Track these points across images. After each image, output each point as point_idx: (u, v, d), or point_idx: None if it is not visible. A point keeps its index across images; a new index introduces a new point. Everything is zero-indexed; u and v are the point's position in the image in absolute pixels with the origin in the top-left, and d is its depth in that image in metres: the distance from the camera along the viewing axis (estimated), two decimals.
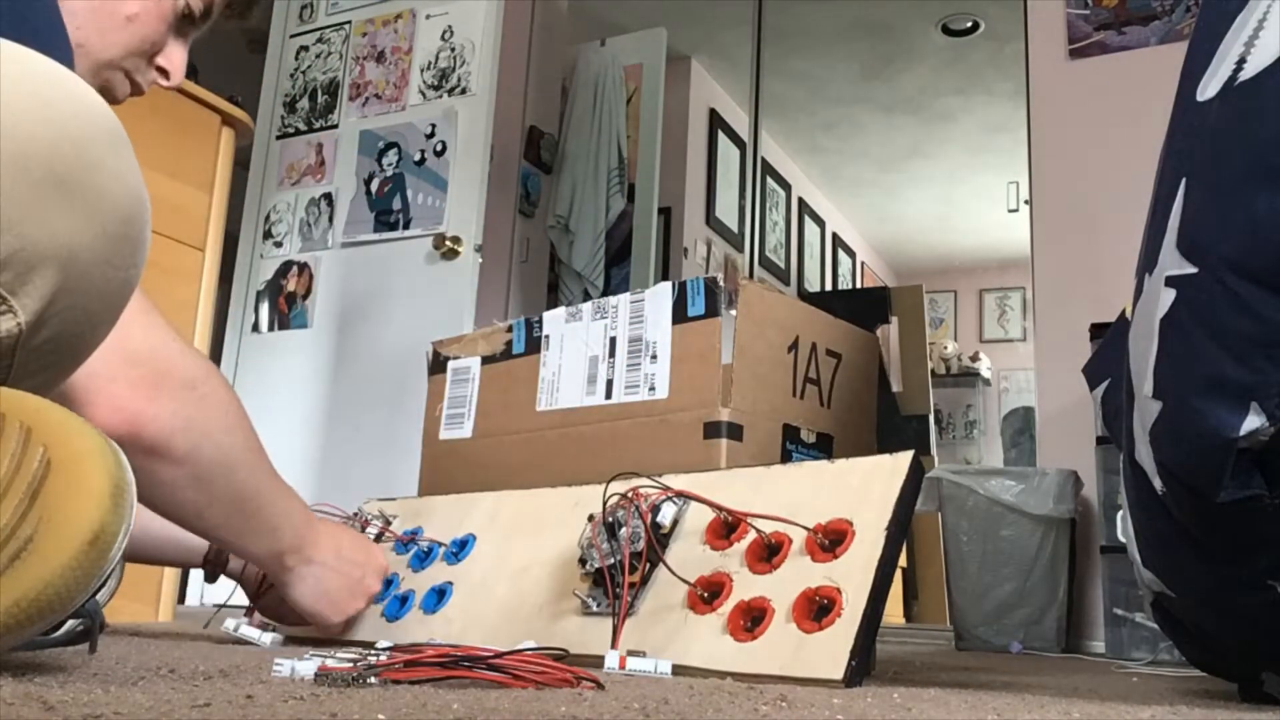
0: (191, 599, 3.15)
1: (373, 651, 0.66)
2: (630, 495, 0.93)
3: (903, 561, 4.31)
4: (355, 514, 1.27)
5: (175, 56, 0.99)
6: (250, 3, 1.16)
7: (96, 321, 0.59)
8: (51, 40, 0.73)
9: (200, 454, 0.92)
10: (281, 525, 1.04)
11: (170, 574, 1.87)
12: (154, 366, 0.88)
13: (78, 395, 0.82)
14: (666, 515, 0.94)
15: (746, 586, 0.86)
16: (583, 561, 0.95)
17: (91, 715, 0.40)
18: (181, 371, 0.91)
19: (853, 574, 0.80)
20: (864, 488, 0.86)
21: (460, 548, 1.15)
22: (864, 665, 0.77)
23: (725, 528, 0.92)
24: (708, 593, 0.87)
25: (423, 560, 1.18)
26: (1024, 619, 2.39)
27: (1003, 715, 0.64)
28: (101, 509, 0.48)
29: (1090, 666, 1.73)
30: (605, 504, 0.93)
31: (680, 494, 0.95)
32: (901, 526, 0.82)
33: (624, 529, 0.92)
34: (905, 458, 0.86)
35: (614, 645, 0.88)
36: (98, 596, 0.75)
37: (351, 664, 0.61)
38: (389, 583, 1.18)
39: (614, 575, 0.92)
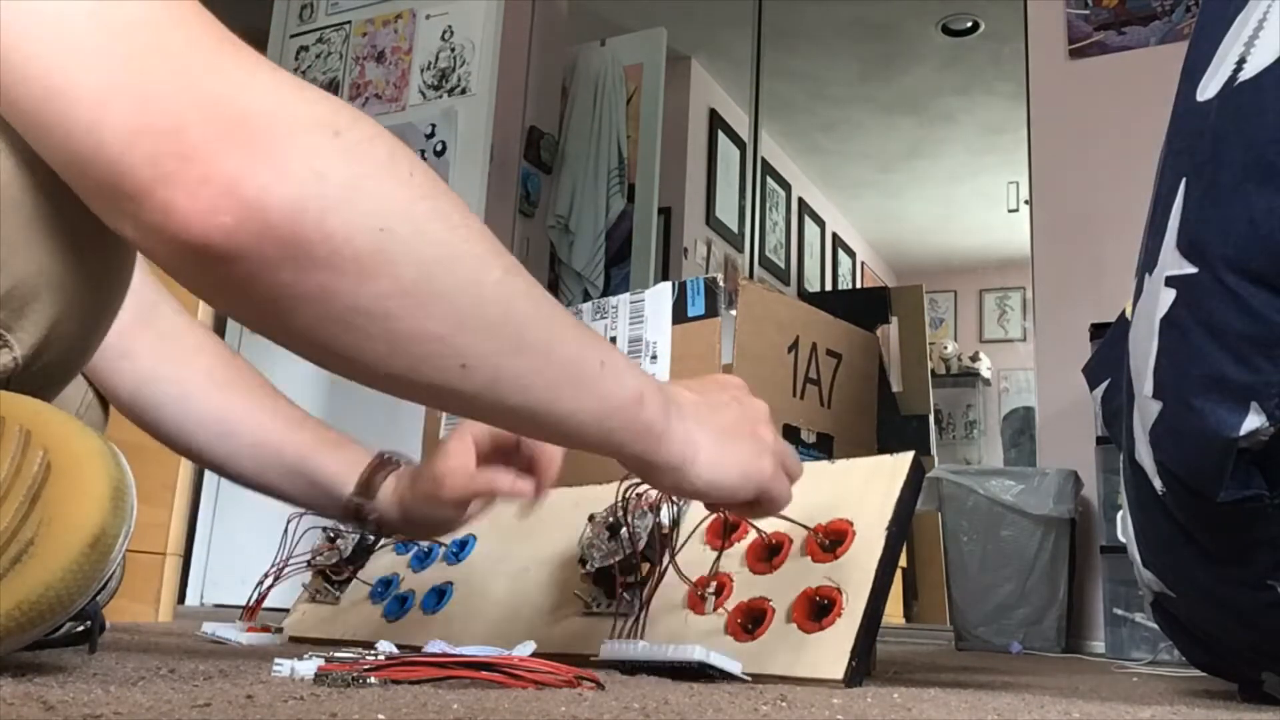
0: (191, 599, 3.16)
1: (372, 652, 0.67)
2: (630, 495, 0.93)
3: (903, 561, 4.31)
4: None
5: None
6: None
7: (89, 341, 0.58)
8: None
9: (396, 240, 0.48)
10: (612, 353, 0.62)
11: (170, 574, 1.87)
12: (252, 106, 0.46)
13: (137, 180, 0.44)
14: (666, 515, 0.94)
15: (747, 587, 0.86)
16: (583, 561, 0.95)
17: (91, 715, 0.40)
18: (307, 109, 0.48)
19: (853, 574, 0.80)
20: (864, 488, 0.87)
21: (460, 548, 1.15)
22: (864, 665, 0.77)
23: (725, 528, 0.92)
24: (708, 593, 0.87)
25: (423, 560, 1.18)
26: (1024, 619, 2.39)
27: (1003, 715, 0.64)
28: (102, 511, 0.48)
29: (1090, 666, 1.73)
30: (619, 504, 0.93)
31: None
32: (902, 527, 0.82)
33: (624, 529, 0.92)
34: (906, 458, 0.86)
35: (642, 638, 0.87)
36: (98, 597, 0.75)
37: (351, 664, 0.61)
38: (388, 582, 1.18)
39: (614, 575, 0.92)
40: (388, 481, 0.91)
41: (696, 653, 0.74)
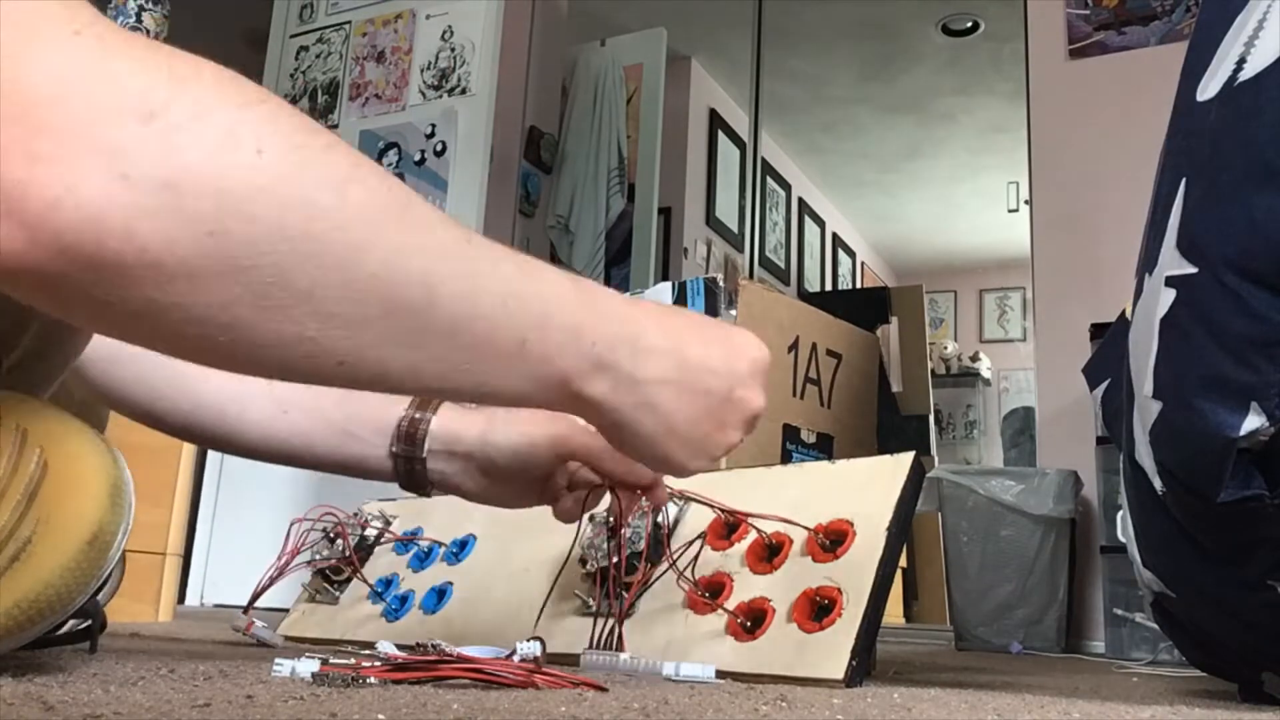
0: (192, 599, 3.16)
1: (372, 652, 0.66)
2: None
3: (903, 561, 4.31)
4: (355, 514, 1.26)
5: None
6: None
7: (72, 338, 0.58)
8: None
9: (234, 243, 0.40)
10: (542, 329, 0.53)
11: (170, 574, 1.87)
12: (40, 92, 0.37)
13: None
14: (667, 516, 0.94)
15: (747, 587, 0.86)
16: (583, 562, 0.95)
17: (91, 715, 0.40)
18: (111, 87, 0.38)
19: (854, 574, 0.80)
20: (865, 488, 0.86)
21: (460, 548, 1.15)
22: (864, 665, 0.77)
23: (726, 528, 0.92)
24: (708, 593, 0.87)
25: (423, 560, 1.18)
26: (1024, 619, 2.39)
27: (1003, 715, 0.64)
28: (99, 509, 0.48)
29: (1090, 666, 1.73)
30: (615, 511, 0.93)
31: (681, 494, 0.95)
32: (902, 527, 0.82)
33: (624, 529, 0.92)
34: (906, 459, 0.86)
35: (619, 647, 0.87)
36: (98, 596, 0.75)
37: (351, 664, 0.61)
38: (388, 582, 1.18)
39: (611, 576, 0.92)
40: (452, 416, 0.77)
41: (666, 668, 0.77)
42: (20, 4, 0.38)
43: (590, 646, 0.88)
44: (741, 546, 0.89)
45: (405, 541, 1.21)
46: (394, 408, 0.80)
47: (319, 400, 0.79)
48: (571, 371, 0.54)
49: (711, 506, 0.92)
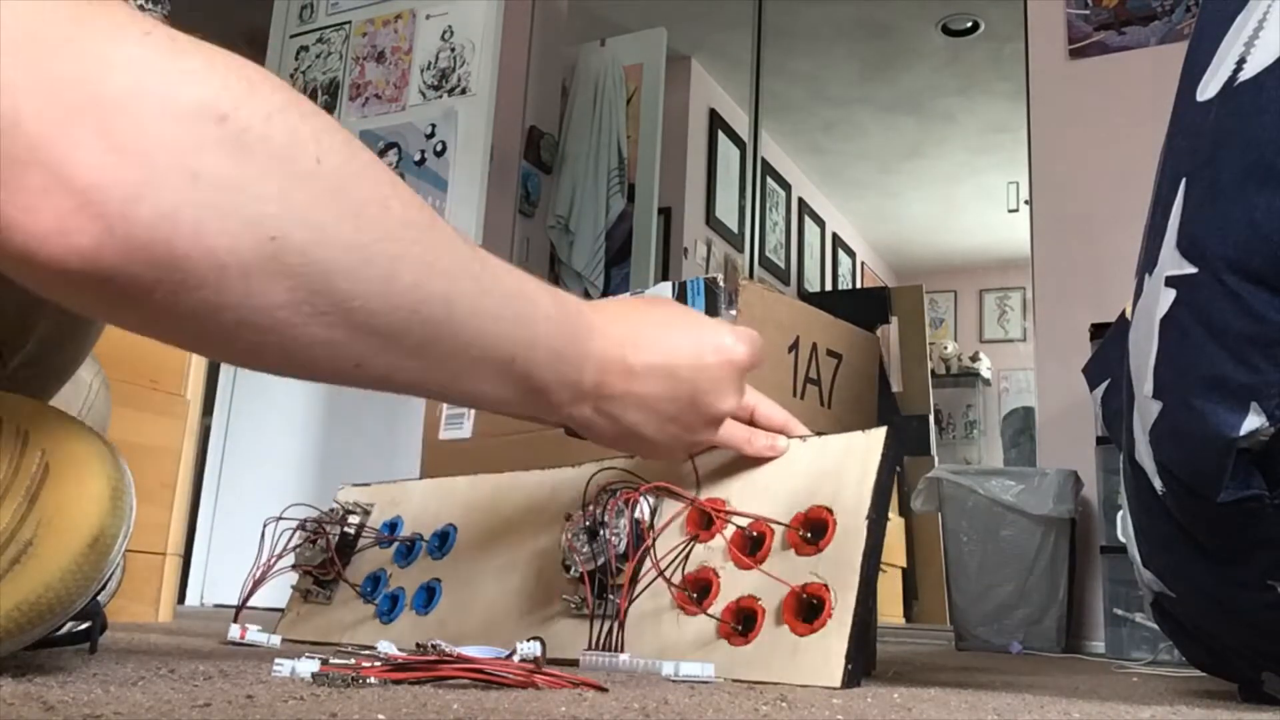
0: (192, 599, 3.16)
1: (372, 652, 0.66)
2: (606, 494, 0.91)
3: (903, 562, 4.30)
4: (330, 510, 1.25)
5: None
6: None
7: (81, 345, 0.58)
8: None
9: (291, 251, 0.41)
10: (531, 348, 0.57)
11: (170, 574, 1.87)
12: (111, 90, 0.36)
13: None
14: (643, 511, 0.91)
15: (734, 583, 0.84)
16: (566, 567, 0.93)
17: (91, 715, 0.40)
18: (184, 89, 0.38)
19: (839, 569, 0.79)
20: (839, 469, 0.84)
21: (442, 540, 1.13)
22: (860, 664, 0.76)
23: (703, 516, 0.89)
24: (695, 592, 0.86)
25: (406, 556, 1.16)
26: (1024, 619, 2.39)
27: (1003, 715, 0.64)
28: (100, 511, 0.48)
29: (1090, 666, 1.73)
30: (585, 506, 0.91)
31: (656, 487, 0.92)
32: (882, 512, 0.80)
33: (604, 530, 0.90)
34: (879, 434, 0.85)
35: (619, 647, 0.87)
36: (98, 597, 0.75)
37: (351, 664, 0.61)
38: (376, 579, 1.17)
39: (598, 579, 0.90)
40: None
41: (665, 668, 0.77)
42: (93, 5, 0.37)
43: (589, 647, 0.88)
44: (723, 538, 0.88)
45: (387, 538, 1.20)
46: None
47: None
48: (552, 388, 0.61)
49: (684, 501, 0.90)
